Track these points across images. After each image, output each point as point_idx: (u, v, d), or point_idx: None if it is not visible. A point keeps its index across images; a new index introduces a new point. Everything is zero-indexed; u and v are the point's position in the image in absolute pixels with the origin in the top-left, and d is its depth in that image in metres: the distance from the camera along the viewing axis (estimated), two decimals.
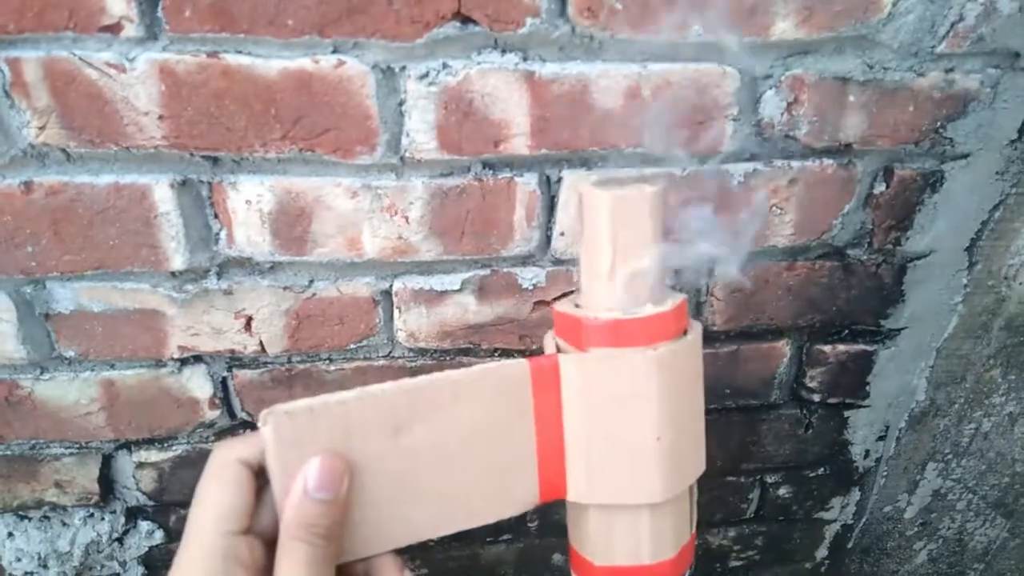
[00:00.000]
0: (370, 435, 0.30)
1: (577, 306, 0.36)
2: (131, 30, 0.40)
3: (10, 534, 0.60)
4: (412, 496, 0.32)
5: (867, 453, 0.67)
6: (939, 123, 0.48)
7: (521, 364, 0.33)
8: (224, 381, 0.55)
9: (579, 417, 0.34)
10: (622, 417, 0.34)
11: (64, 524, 0.60)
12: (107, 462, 0.58)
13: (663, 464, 0.34)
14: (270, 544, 0.28)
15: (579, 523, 0.38)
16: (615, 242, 0.33)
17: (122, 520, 0.61)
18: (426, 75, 0.43)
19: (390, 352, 0.55)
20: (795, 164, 0.50)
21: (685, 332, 0.35)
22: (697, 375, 0.36)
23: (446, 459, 0.32)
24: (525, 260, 0.51)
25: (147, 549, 0.62)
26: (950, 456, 0.67)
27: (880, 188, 0.51)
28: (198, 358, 0.53)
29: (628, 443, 0.34)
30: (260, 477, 0.29)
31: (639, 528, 0.36)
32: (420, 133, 0.45)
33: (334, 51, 0.42)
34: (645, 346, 0.33)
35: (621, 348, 0.33)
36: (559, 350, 0.36)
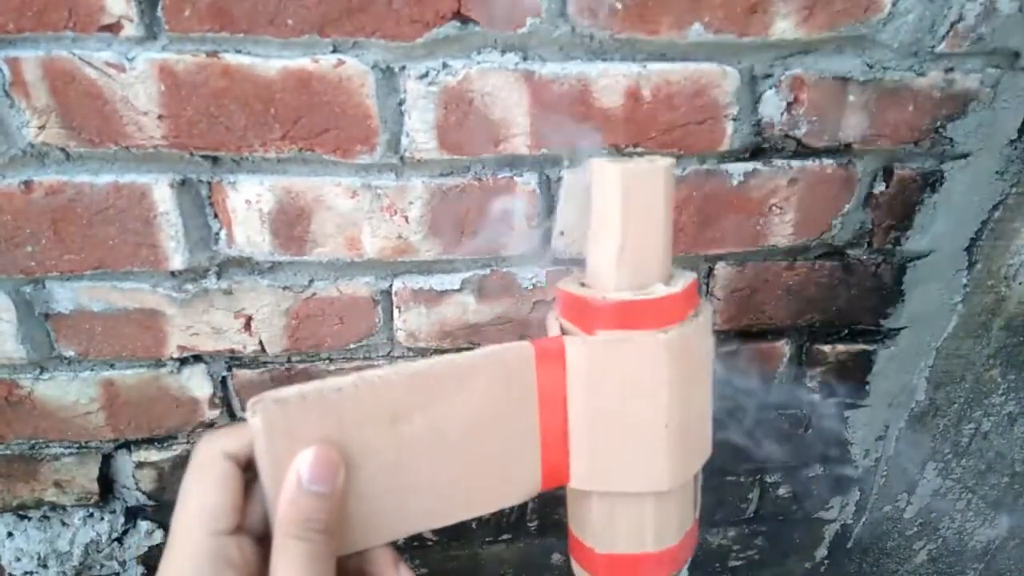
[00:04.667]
0: (366, 424, 0.29)
1: (583, 285, 0.34)
2: (131, 29, 0.40)
3: (10, 534, 0.60)
4: (409, 487, 0.30)
5: (867, 453, 0.67)
6: (939, 123, 0.48)
7: (525, 347, 0.32)
8: (224, 381, 0.54)
9: (584, 401, 0.32)
10: (629, 402, 0.32)
11: (64, 524, 0.60)
12: (107, 462, 0.58)
13: (670, 451, 0.33)
14: (261, 541, 0.27)
15: (580, 509, 0.36)
16: (626, 218, 0.31)
17: (122, 520, 0.61)
18: (426, 75, 0.43)
19: (390, 352, 0.55)
20: (795, 164, 0.50)
21: (696, 312, 0.34)
22: (707, 357, 0.35)
23: (446, 448, 0.31)
24: (525, 260, 0.51)
25: (147, 549, 0.62)
26: (950, 456, 0.67)
27: (880, 188, 0.51)
28: (198, 358, 0.53)
29: (635, 429, 0.32)
30: (248, 470, 0.27)
31: (643, 516, 0.34)
32: (420, 133, 0.45)
33: (334, 51, 0.42)
34: (655, 329, 0.31)
35: (630, 331, 0.31)
36: (563, 331, 0.34)
